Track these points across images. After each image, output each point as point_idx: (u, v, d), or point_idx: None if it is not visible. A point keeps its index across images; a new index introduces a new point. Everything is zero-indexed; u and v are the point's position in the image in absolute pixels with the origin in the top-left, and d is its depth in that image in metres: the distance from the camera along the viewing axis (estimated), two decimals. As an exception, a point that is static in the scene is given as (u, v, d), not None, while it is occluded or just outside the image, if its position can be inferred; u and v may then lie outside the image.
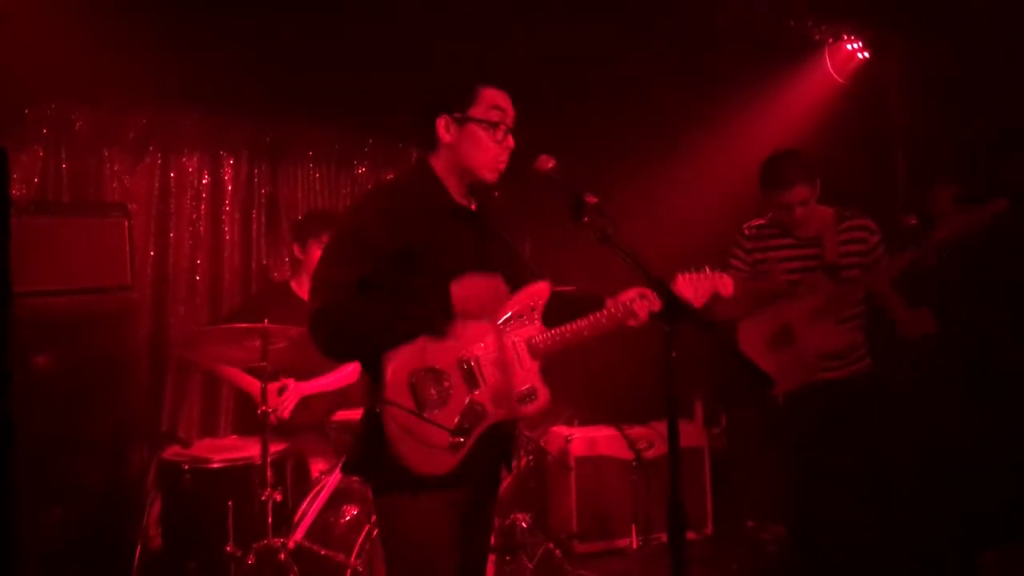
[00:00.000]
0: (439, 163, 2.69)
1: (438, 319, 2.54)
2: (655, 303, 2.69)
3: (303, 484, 4.19)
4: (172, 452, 4.11)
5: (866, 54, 5.23)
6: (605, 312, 2.71)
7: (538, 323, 2.70)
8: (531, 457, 5.09)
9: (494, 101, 2.65)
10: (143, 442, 4.49)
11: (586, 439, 5.29)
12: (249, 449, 4.05)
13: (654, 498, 5.08)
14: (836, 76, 5.34)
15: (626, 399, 5.39)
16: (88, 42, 4.35)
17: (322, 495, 4.03)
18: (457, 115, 2.63)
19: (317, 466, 4.30)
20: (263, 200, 5.75)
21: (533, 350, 2.66)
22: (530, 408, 2.64)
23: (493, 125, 2.63)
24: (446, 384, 2.53)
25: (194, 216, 5.50)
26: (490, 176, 2.67)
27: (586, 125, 5.55)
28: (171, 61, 4.75)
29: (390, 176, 5.88)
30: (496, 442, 2.64)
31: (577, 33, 4.88)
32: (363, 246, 2.52)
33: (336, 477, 4.05)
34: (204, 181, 5.55)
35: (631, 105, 5.50)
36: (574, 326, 2.68)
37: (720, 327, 3.89)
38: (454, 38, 4.83)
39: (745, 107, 5.43)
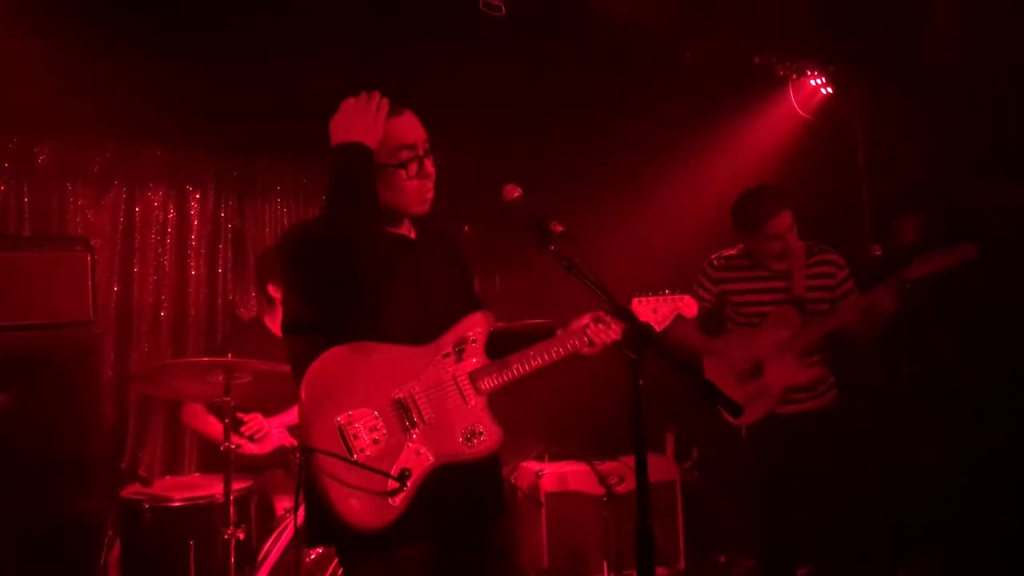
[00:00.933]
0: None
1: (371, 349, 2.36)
2: (614, 330, 2.57)
3: (267, 522, 4.11)
4: (132, 490, 4.02)
5: (829, 89, 5.31)
6: (555, 340, 2.57)
7: (481, 356, 2.52)
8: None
9: (397, 136, 2.44)
10: (103, 480, 4.38)
11: (556, 474, 5.24)
12: (212, 487, 3.97)
13: (626, 533, 5.01)
14: (800, 111, 5.41)
15: (597, 434, 5.35)
16: (52, 76, 4.34)
17: (286, 533, 3.94)
18: None
19: (282, 503, 4.21)
20: (230, 235, 5.69)
21: (477, 385, 2.48)
22: (477, 449, 2.42)
23: (402, 165, 2.44)
24: (380, 425, 2.32)
25: (159, 251, 5.43)
26: (419, 209, 2.52)
27: (554, 158, 5.58)
28: (137, 94, 4.73)
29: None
30: (461, 486, 2.41)
31: (545, 67, 4.91)
32: (314, 278, 2.33)
33: (301, 514, 3.96)
34: (170, 215, 5.48)
35: (599, 139, 5.53)
36: (521, 356, 2.52)
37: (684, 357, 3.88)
38: (423, 75, 4.85)
39: (711, 142, 5.49)
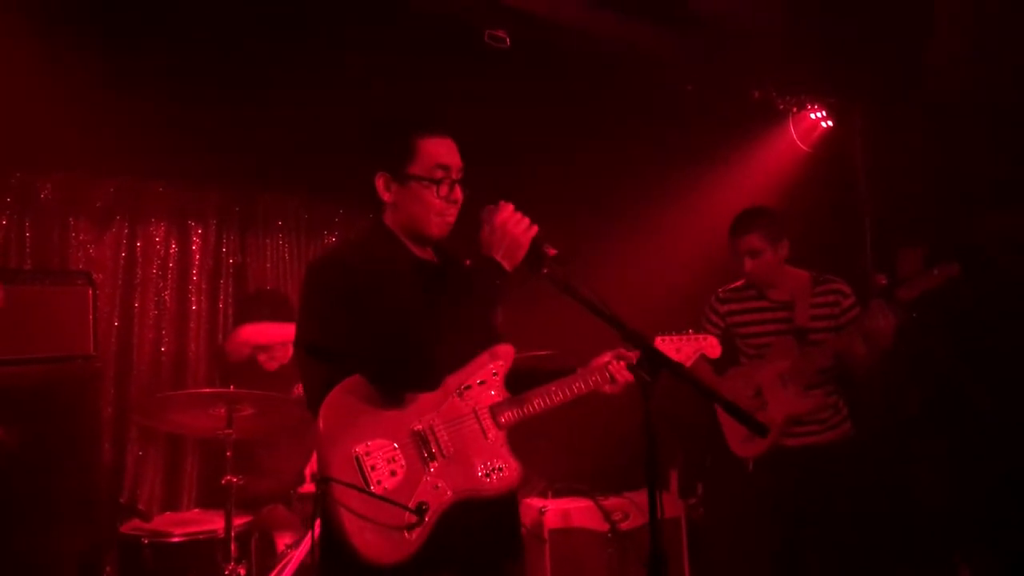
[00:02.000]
0: (389, 219, 2.53)
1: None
2: (630, 359, 2.53)
3: (268, 558, 4.05)
4: (131, 526, 3.98)
5: (829, 123, 5.33)
6: (577, 375, 2.54)
7: (501, 389, 2.48)
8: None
9: (436, 154, 2.47)
10: (103, 516, 4.32)
11: (560, 511, 5.16)
12: (212, 522, 3.94)
13: (630, 570, 4.94)
14: (801, 144, 5.43)
15: (601, 470, 5.31)
16: (55, 112, 4.34)
17: (288, 570, 3.88)
18: (396, 173, 2.47)
19: (283, 539, 4.16)
20: (231, 270, 5.67)
21: (497, 419, 2.43)
22: (497, 484, 2.37)
23: (436, 182, 2.46)
24: (398, 457, 2.28)
25: (160, 286, 5.41)
26: (437, 232, 2.50)
27: (554, 192, 5.58)
28: (139, 130, 4.75)
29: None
30: (478, 524, 2.35)
31: (545, 100, 4.94)
32: (335, 311, 2.33)
33: (303, 550, 3.91)
34: (171, 250, 5.47)
35: (599, 172, 5.54)
36: (543, 390, 2.49)
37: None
38: (428, 109, 4.88)
39: (712, 176, 5.50)
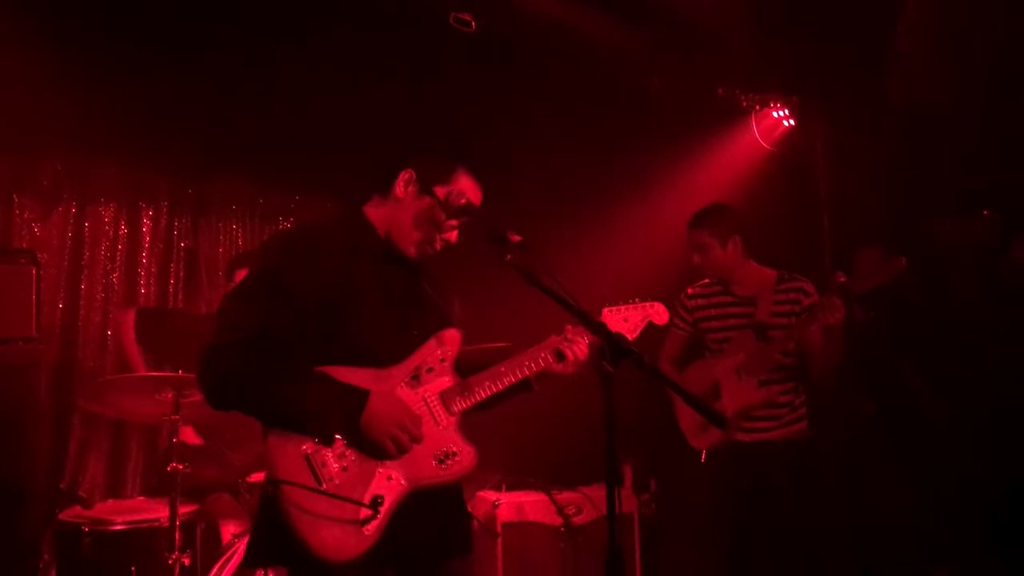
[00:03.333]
0: (375, 212, 2.51)
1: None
2: (581, 344, 2.49)
3: (213, 548, 3.95)
4: (71, 513, 3.84)
5: (791, 122, 5.35)
6: (526, 355, 2.48)
7: (451, 375, 2.44)
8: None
9: (465, 190, 2.46)
10: (40, 503, 4.18)
11: (514, 504, 5.11)
12: (156, 510, 3.82)
13: (583, 565, 4.92)
14: (763, 143, 5.45)
15: (555, 463, 5.27)
16: (1, 87, 4.20)
17: (233, 560, 3.79)
18: (422, 180, 2.46)
19: (229, 529, 4.07)
20: (182, 254, 5.55)
21: (448, 405, 2.40)
22: (452, 470, 2.34)
23: (448, 212, 2.44)
24: (348, 452, 2.25)
25: (108, 268, 5.28)
26: (414, 251, 2.47)
27: (514, 187, 5.53)
28: (90, 107, 4.64)
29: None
30: (430, 513, 2.35)
31: (508, 94, 4.90)
32: (279, 288, 2.30)
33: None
34: (121, 232, 5.34)
35: (560, 168, 5.51)
36: (491, 372, 2.43)
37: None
38: (386, 95, 4.82)
39: (673, 172, 5.49)
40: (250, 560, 2.36)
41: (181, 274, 5.53)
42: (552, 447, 5.37)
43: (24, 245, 4.91)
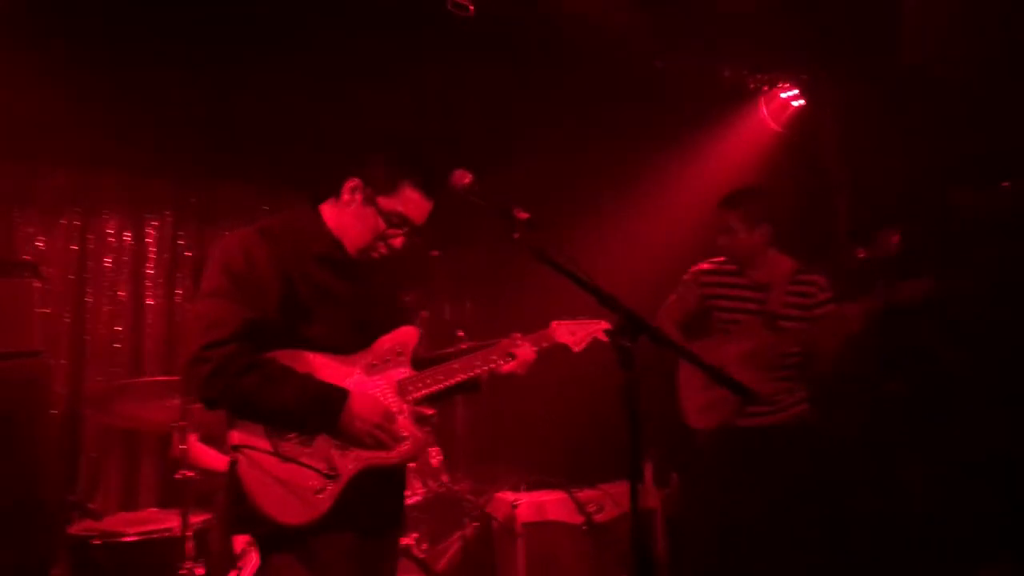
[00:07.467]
0: (328, 213, 2.62)
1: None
2: (527, 348, 2.70)
3: (228, 557, 3.87)
4: (82, 527, 3.79)
5: (801, 102, 5.25)
6: (478, 355, 2.69)
7: (407, 367, 2.62)
8: (477, 524, 4.82)
9: (409, 207, 2.55)
10: (51, 517, 4.11)
11: (533, 504, 5.02)
12: (168, 521, 3.80)
13: (606, 563, 4.83)
14: (772, 124, 5.36)
15: (574, 462, 5.21)
16: (2, 99, 4.16)
17: (248, 568, 3.71)
18: (368, 191, 2.54)
19: (242, 537, 3.97)
20: (188, 263, 5.48)
21: (403, 394, 2.57)
22: (401, 453, 2.51)
23: (391, 225, 2.55)
24: None
25: (114, 280, 5.21)
26: (356, 255, 2.60)
27: (523, 172, 5.47)
28: (91, 118, 4.59)
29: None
30: (380, 489, 2.53)
31: (515, 80, 4.84)
32: (248, 286, 2.40)
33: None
34: (125, 243, 5.27)
35: (570, 152, 5.45)
36: (445, 367, 2.64)
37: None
38: (387, 92, 4.77)
39: (683, 155, 5.42)
40: (233, 527, 2.65)
41: (188, 284, 5.45)
42: (570, 446, 5.32)
43: (28, 259, 4.84)
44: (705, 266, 4.06)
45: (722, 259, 4.03)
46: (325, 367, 2.46)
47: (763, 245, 3.89)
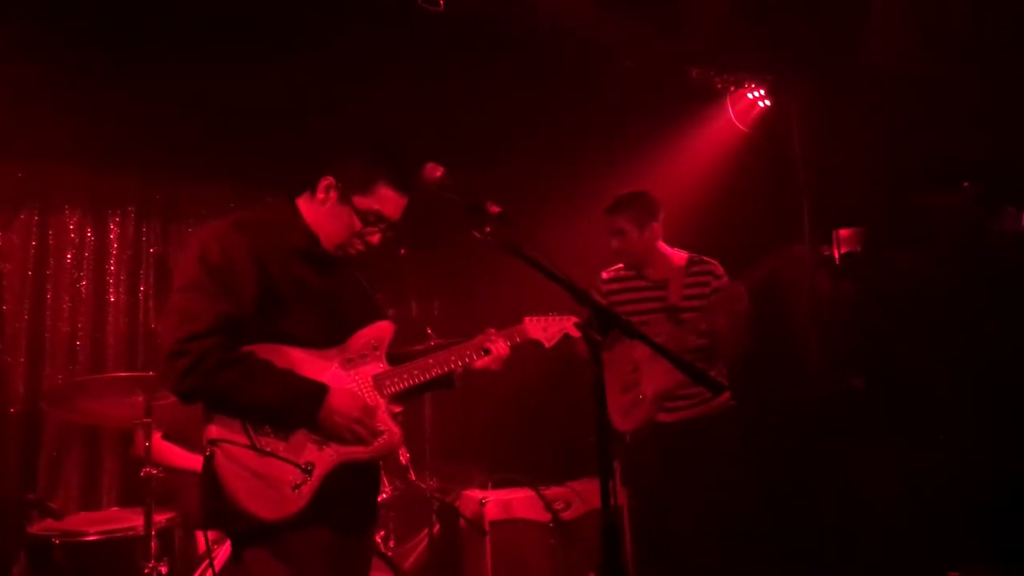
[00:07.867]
0: (305, 208, 2.62)
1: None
2: (502, 343, 2.73)
3: (192, 555, 3.82)
4: (42, 526, 3.70)
5: (767, 102, 5.30)
6: (453, 350, 2.71)
7: (383, 362, 2.63)
8: (444, 522, 4.81)
9: (385, 205, 2.56)
10: (9, 516, 4.03)
11: (501, 501, 5.01)
12: (131, 519, 3.72)
13: (573, 560, 4.83)
14: (739, 124, 5.40)
15: (542, 460, 5.20)
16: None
17: (217, 562, 3.66)
18: (343, 189, 2.55)
19: (211, 533, 3.92)
20: (152, 260, 5.39)
21: (380, 388, 2.58)
22: (377, 448, 2.52)
23: (367, 223, 2.56)
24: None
25: (75, 277, 5.11)
26: (332, 251, 2.61)
27: (490, 170, 5.46)
28: (52, 111, 4.50)
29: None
30: (356, 484, 2.53)
31: (482, 78, 4.83)
32: (225, 279, 2.38)
33: (228, 548, 3.70)
34: (87, 239, 5.17)
35: (535, 151, 5.46)
36: (421, 363, 2.65)
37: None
38: (359, 89, 4.74)
39: (649, 155, 5.43)
40: (204, 522, 2.51)
41: (152, 281, 5.37)
42: (538, 444, 5.30)
43: (-15, 255, 4.75)
44: (604, 275, 4.21)
45: (619, 265, 4.16)
46: (303, 362, 2.45)
47: (654, 243, 4.02)
